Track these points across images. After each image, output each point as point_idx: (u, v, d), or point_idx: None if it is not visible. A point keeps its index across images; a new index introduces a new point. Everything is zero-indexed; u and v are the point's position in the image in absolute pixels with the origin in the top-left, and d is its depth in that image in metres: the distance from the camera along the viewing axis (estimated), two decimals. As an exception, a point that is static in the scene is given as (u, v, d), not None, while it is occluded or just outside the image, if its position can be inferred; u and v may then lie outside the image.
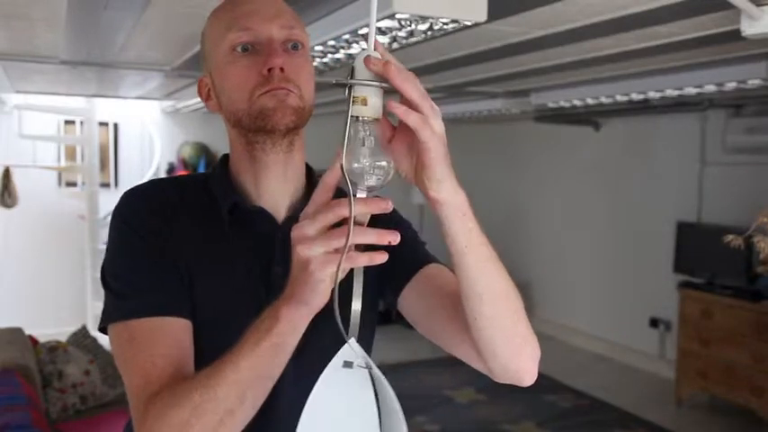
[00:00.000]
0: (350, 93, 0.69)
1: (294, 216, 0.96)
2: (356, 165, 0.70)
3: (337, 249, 0.69)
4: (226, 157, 1.02)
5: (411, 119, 0.68)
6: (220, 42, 0.93)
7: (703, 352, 4.29)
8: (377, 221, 0.74)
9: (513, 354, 0.85)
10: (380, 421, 0.77)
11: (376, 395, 0.76)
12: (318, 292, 0.72)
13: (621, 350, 5.40)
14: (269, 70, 0.89)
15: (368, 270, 0.73)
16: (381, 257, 0.70)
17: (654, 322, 5.09)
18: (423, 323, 0.99)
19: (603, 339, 5.57)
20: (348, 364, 0.74)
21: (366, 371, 0.75)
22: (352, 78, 0.69)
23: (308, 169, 1.03)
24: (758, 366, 3.95)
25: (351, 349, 0.74)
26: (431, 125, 0.69)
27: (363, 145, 0.70)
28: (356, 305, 0.74)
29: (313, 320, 0.77)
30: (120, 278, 0.91)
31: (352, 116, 0.69)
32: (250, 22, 0.91)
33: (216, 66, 0.95)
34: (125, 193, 0.97)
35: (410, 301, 1.00)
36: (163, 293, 0.89)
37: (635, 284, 5.27)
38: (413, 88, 0.68)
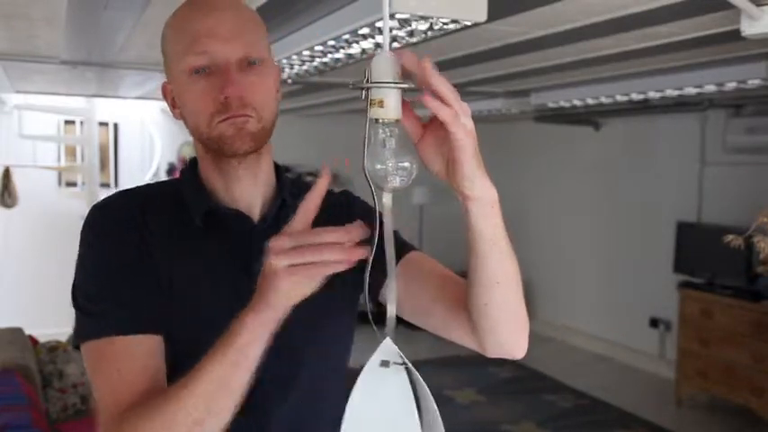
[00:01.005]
0: (367, 96, 0.70)
1: (268, 214, 0.98)
2: (379, 166, 0.70)
3: (305, 264, 0.69)
4: (194, 160, 1.01)
5: (443, 113, 0.69)
6: (180, 62, 0.91)
7: (703, 352, 4.29)
8: (353, 215, 0.76)
9: (514, 332, 0.90)
10: (421, 420, 0.78)
11: (414, 394, 0.77)
12: (279, 304, 0.73)
13: (621, 350, 5.40)
14: (225, 98, 0.88)
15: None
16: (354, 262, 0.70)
17: (654, 322, 5.09)
18: (409, 308, 1.00)
19: (603, 339, 5.57)
20: (385, 364, 0.74)
21: (403, 369, 0.75)
22: (367, 81, 0.69)
23: (276, 167, 1.03)
24: (758, 366, 3.95)
25: (387, 348, 0.74)
26: (462, 121, 0.70)
27: (385, 147, 0.70)
28: (391, 308, 0.75)
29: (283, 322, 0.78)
30: (90, 296, 0.90)
31: (370, 119, 0.69)
32: (206, 44, 0.89)
33: (176, 83, 0.94)
34: (93, 207, 0.96)
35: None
36: (134, 311, 0.88)
37: (635, 284, 5.27)
38: (444, 84, 0.69)
